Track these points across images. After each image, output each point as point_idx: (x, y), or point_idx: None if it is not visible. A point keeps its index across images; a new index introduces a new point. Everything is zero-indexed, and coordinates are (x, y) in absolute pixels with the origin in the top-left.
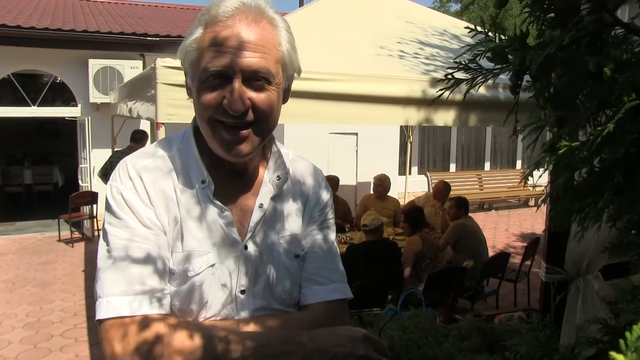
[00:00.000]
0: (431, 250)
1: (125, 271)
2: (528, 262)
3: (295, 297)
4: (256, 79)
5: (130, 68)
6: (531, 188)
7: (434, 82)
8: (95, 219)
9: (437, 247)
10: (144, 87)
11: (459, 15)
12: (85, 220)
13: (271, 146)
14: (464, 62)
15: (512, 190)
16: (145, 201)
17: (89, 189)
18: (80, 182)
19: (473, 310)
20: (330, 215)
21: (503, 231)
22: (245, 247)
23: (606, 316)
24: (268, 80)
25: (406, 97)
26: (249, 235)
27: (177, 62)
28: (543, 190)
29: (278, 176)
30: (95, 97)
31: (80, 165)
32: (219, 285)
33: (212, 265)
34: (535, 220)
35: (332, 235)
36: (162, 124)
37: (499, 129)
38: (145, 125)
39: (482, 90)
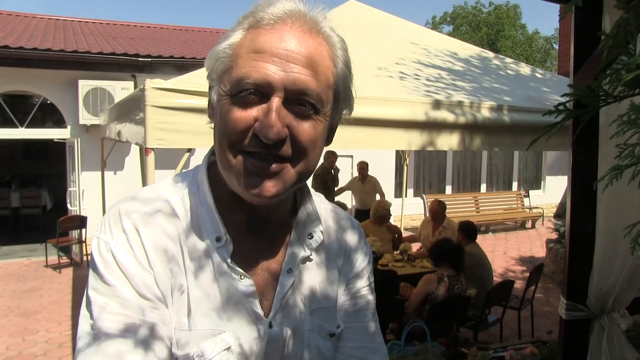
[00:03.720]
0: (444, 295)
1: (111, 357)
2: (532, 288)
3: None
4: (301, 102)
5: (121, 89)
6: (528, 210)
7: (437, 103)
8: (84, 244)
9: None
10: (132, 110)
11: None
12: (73, 245)
13: (302, 195)
14: (584, 88)
15: (508, 212)
16: (142, 262)
17: (78, 213)
18: (69, 205)
19: (477, 342)
20: (369, 281)
21: (501, 254)
22: (270, 325)
23: (633, 358)
24: (315, 108)
25: (408, 120)
26: (274, 309)
27: (167, 84)
28: (539, 212)
29: (310, 234)
30: (85, 118)
31: (69, 189)
32: None
33: (228, 349)
34: (533, 243)
35: (372, 306)
36: (152, 149)
37: (496, 150)
38: (134, 150)
39: (486, 113)
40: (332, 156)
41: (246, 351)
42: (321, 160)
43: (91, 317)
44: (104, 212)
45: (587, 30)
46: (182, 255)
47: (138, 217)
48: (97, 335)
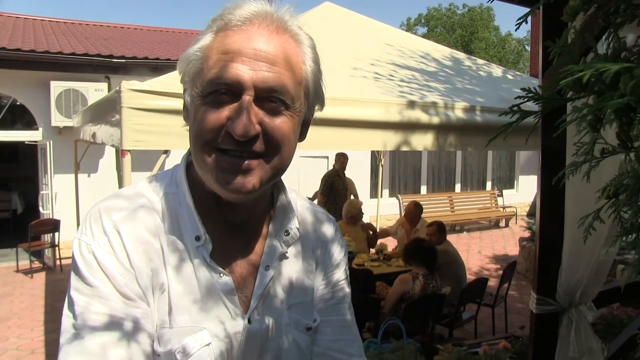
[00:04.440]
0: (419, 294)
1: (96, 355)
2: (505, 285)
3: None
4: (271, 99)
5: (94, 91)
6: (501, 209)
7: (411, 104)
8: (57, 248)
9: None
10: (108, 111)
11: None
12: (46, 249)
13: (279, 191)
14: (534, 90)
15: (483, 211)
16: (123, 263)
17: (51, 217)
18: (41, 209)
19: (452, 338)
20: (346, 274)
21: (476, 253)
22: (249, 321)
23: (599, 348)
24: (286, 104)
25: (383, 120)
26: (253, 305)
27: (144, 85)
28: (513, 211)
29: (287, 231)
30: (58, 120)
31: (41, 192)
32: None
33: (208, 344)
34: (506, 242)
35: (348, 299)
36: (128, 151)
37: (469, 150)
38: (109, 152)
39: (459, 113)
40: (342, 158)
41: (226, 346)
42: (325, 162)
43: (74, 316)
44: (77, 215)
45: (556, 33)
46: (163, 254)
47: (119, 217)
48: (80, 334)
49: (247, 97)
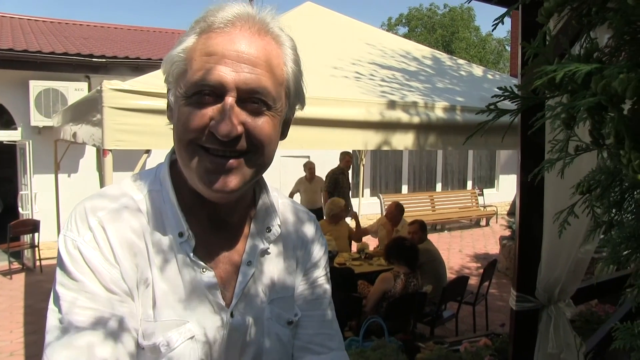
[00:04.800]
0: (401, 292)
1: (82, 349)
2: (486, 284)
3: None
4: (253, 100)
5: (74, 90)
6: (482, 208)
7: (391, 104)
8: (37, 248)
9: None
10: (89, 111)
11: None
12: (25, 250)
13: (261, 189)
14: (510, 89)
15: (464, 210)
16: (108, 258)
17: (30, 217)
18: (20, 209)
19: (433, 337)
20: (325, 270)
21: (457, 252)
22: (232, 315)
23: (577, 344)
24: (268, 105)
25: (364, 120)
26: (236, 299)
27: (125, 85)
28: (494, 210)
29: (268, 227)
30: (37, 120)
31: (21, 192)
32: None
33: (192, 338)
34: (487, 241)
35: (328, 295)
36: (110, 150)
37: (450, 150)
38: (89, 152)
39: (439, 113)
40: (347, 156)
41: (209, 340)
42: (330, 162)
43: (60, 311)
44: (58, 216)
45: (533, 33)
46: (147, 250)
47: (104, 214)
48: (67, 329)
49: (230, 99)
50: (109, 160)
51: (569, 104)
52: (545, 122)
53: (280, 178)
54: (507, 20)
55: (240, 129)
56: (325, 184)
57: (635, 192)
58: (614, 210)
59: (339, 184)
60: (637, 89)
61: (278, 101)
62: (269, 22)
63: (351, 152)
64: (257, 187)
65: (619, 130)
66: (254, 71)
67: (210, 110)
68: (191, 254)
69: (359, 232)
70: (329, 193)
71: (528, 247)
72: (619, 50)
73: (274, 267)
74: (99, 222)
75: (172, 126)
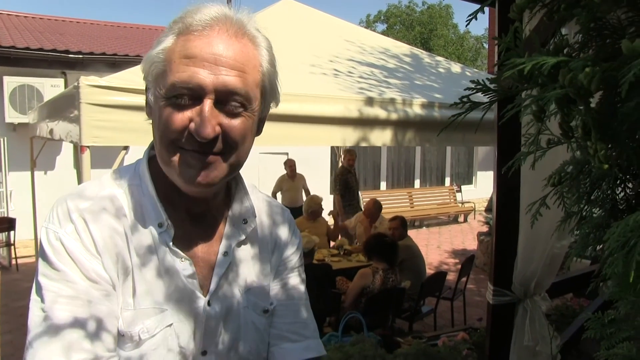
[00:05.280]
0: (380, 288)
1: (65, 337)
2: (464, 279)
3: (264, 357)
4: (231, 101)
5: (50, 86)
6: (460, 204)
7: (370, 100)
8: (13, 247)
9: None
10: (66, 107)
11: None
12: (1, 248)
13: (236, 183)
14: (482, 82)
15: (442, 207)
16: (90, 249)
17: (6, 215)
18: None
19: (412, 332)
20: (300, 261)
21: (435, 248)
22: (209, 303)
23: (552, 336)
24: (244, 105)
25: (342, 116)
26: (212, 288)
27: (103, 81)
28: (471, 207)
29: (244, 219)
30: (12, 116)
31: None
32: (177, 349)
33: (170, 325)
34: (465, 237)
35: (303, 285)
36: (87, 147)
37: (428, 147)
38: (66, 149)
39: (417, 109)
40: (349, 154)
41: (187, 328)
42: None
43: (42, 301)
44: (34, 213)
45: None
46: (128, 241)
47: (85, 207)
48: (50, 321)
49: (209, 101)
50: (86, 156)
51: (538, 95)
52: (522, 118)
53: (259, 175)
54: (485, 18)
55: (217, 129)
56: (335, 186)
57: (602, 183)
58: (583, 201)
59: (348, 185)
60: (601, 82)
61: (254, 101)
62: (246, 24)
63: (354, 150)
64: (233, 181)
65: (586, 122)
66: (231, 73)
67: (190, 112)
68: (170, 244)
69: (337, 230)
70: (340, 195)
71: (504, 241)
72: (587, 45)
73: (249, 256)
74: (80, 214)
75: (150, 122)
